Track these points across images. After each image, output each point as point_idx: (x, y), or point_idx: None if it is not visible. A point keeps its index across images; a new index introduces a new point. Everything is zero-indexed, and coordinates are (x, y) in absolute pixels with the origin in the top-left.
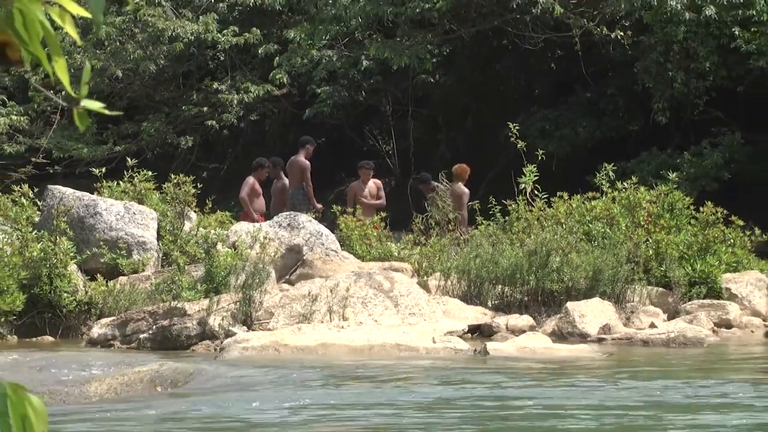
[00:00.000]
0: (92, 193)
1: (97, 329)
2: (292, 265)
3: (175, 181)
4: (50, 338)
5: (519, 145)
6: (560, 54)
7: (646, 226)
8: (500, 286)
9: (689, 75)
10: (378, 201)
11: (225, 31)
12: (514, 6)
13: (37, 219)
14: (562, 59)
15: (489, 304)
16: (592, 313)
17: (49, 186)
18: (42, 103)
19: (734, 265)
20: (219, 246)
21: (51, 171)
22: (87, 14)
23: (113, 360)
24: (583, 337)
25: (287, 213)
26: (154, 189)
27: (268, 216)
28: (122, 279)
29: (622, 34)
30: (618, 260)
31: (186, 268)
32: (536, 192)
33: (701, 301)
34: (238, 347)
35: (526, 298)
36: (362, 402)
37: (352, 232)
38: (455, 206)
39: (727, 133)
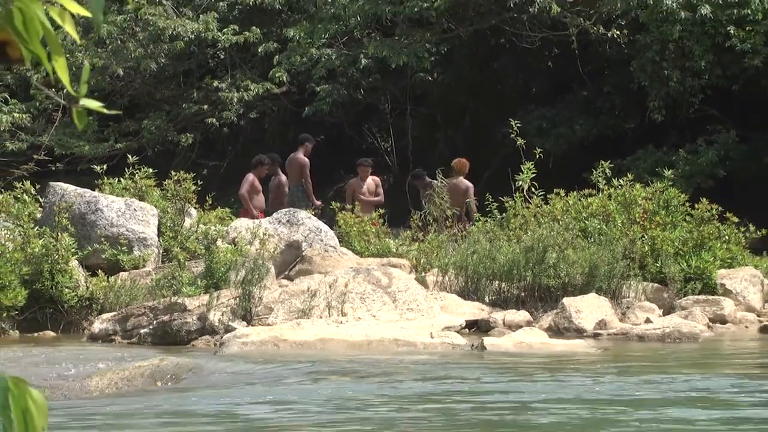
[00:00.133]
0: (94, 190)
1: (98, 324)
2: (292, 261)
3: (176, 178)
4: (52, 333)
5: (519, 143)
6: (557, 53)
7: (641, 222)
8: (497, 281)
9: (685, 73)
10: (376, 198)
11: (225, 29)
12: (512, 5)
13: (39, 215)
14: (559, 58)
15: (486, 299)
16: (588, 309)
17: (51, 183)
18: (44, 101)
19: (729, 261)
20: (219, 242)
21: (53, 168)
22: (87, 13)
23: (114, 355)
24: (580, 333)
25: (286, 210)
26: (154, 186)
27: (267, 213)
28: (123, 275)
29: (618, 32)
30: (614, 256)
31: (186, 264)
32: (533, 189)
33: (696, 296)
34: (238, 342)
35: (522, 294)
36: (362, 397)
37: (350, 228)
38: (459, 201)
39: (722, 131)
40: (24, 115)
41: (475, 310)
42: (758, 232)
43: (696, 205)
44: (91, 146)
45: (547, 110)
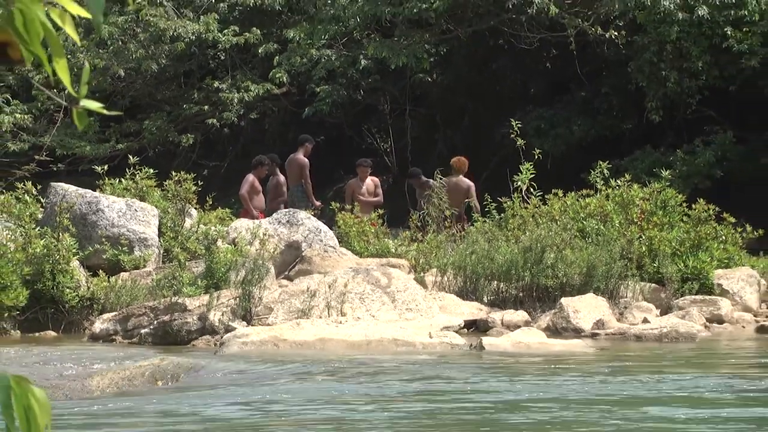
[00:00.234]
0: (95, 191)
1: (99, 324)
2: (291, 261)
3: (176, 178)
4: (53, 333)
5: (519, 143)
6: (555, 54)
7: (639, 223)
8: (496, 282)
9: (682, 74)
10: (375, 198)
11: (225, 30)
12: (510, 6)
13: (40, 216)
14: (557, 59)
15: (485, 299)
16: (586, 309)
17: (52, 183)
18: (45, 101)
19: (726, 261)
20: (219, 242)
21: (54, 168)
22: (88, 15)
23: (115, 354)
24: (577, 332)
25: (286, 210)
26: (155, 186)
27: (267, 213)
28: (124, 275)
29: (616, 33)
30: (611, 256)
31: (186, 264)
32: (531, 189)
33: (693, 296)
34: (238, 342)
35: (521, 294)
36: (360, 395)
37: (350, 228)
38: (460, 200)
39: (719, 131)
40: (26, 116)
41: (473, 310)
42: (755, 233)
43: (693, 206)
44: (92, 147)
45: (545, 111)
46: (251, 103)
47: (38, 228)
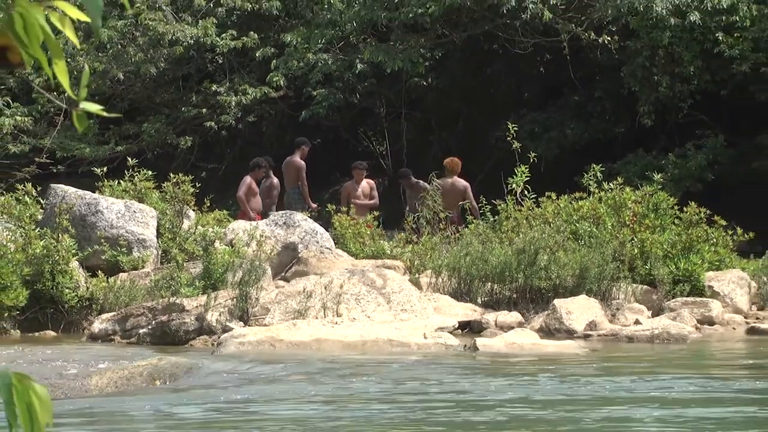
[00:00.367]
0: (94, 192)
1: (98, 324)
2: (288, 262)
3: (175, 180)
4: (52, 333)
5: (514, 146)
6: (549, 58)
7: (631, 225)
8: (490, 283)
9: (674, 79)
10: (371, 201)
11: (223, 34)
12: (505, 11)
13: (40, 217)
14: (551, 63)
15: (479, 300)
16: (578, 310)
17: (52, 185)
18: (45, 104)
19: (717, 263)
20: (217, 244)
21: (54, 170)
22: (87, 18)
23: (113, 354)
24: (570, 334)
25: (283, 212)
26: (154, 188)
27: (264, 214)
28: (122, 275)
29: (609, 39)
30: (604, 259)
31: (184, 265)
32: (525, 192)
33: (685, 298)
34: (235, 342)
35: (514, 295)
36: (356, 395)
37: (346, 230)
38: (455, 201)
39: (710, 135)
40: (26, 119)
41: (467, 311)
42: (745, 235)
43: (685, 209)
44: (91, 149)
45: (539, 115)
46: (249, 106)
47: (38, 229)
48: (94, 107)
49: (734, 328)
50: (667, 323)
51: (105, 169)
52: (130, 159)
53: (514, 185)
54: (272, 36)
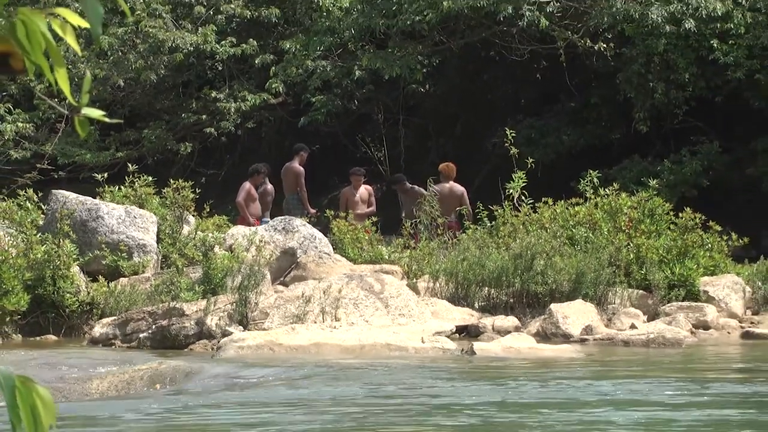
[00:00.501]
0: (95, 198)
1: (99, 329)
2: (287, 267)
3: (175, 186)
4: (53, 337)
5: (511, 151)
6: (545, 65)
7: (627, 230)
8: (487, 288)
9: (669, 86)
10: (369, 209)
11: (223, 42)
12: (501, 19)
13: (41, 222)
14: (548, 70)
15: (476, 305)
16: (575, 315)
17: (53, 190)
18: (47, 110)
19: (712, 268)
20: (216, 249)
21: (55, 176)
22: (88, 25)
23: (114, 358)
24: (567, 338)
25: (282, 217)
26: (154, 194)
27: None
28: (123, 280)
29: (604, 46)
30: (600, 264)
31: (184, 270)
32: (522, 197)
33: (680, 303)
34: (234, 346)
35: (511, 300)
36: (354, 399)
37: (344, 235)
38: (453, 206)
39: (705, 141)
40: (27, 125)
41: (465, 315)
42: (740, 241)
43: (680, 214)
44: (92, 155)
45: (536, 121)
46: (248, 113)
47: (39, 234)
48: (96, 113)
49: (729, 333)
50: (663, 328)
51: (106, 174)
52: (130, 165)
53: (511, 190)
54: (271, 43)
